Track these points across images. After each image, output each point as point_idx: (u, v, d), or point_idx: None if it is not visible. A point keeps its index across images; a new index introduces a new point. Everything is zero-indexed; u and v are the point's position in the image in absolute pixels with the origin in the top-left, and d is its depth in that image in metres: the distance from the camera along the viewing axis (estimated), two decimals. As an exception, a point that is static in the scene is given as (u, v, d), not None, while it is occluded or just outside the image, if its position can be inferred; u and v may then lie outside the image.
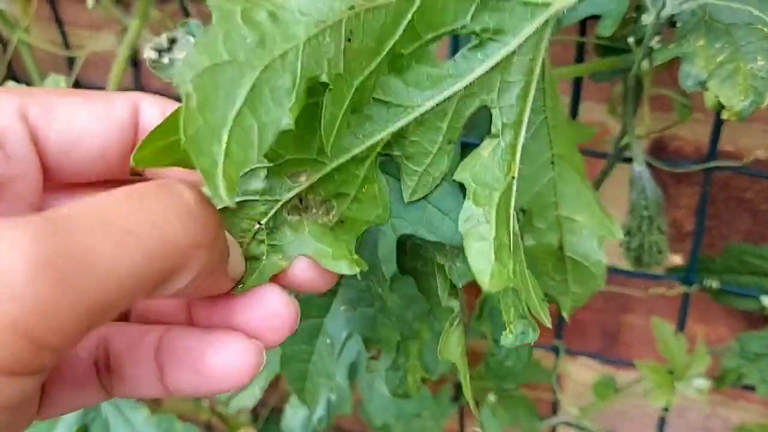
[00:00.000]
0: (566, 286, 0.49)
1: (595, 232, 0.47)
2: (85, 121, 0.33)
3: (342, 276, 0.37)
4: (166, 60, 0.53)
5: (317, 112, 0.33)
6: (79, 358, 0.34)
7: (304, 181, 0.35)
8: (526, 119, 0.40)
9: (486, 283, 0.34)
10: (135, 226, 0.26)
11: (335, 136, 0.34)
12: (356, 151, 0.36)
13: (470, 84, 0.38)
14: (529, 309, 0.38)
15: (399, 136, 0.37)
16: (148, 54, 0.53)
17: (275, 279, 0.35)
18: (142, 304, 0.36)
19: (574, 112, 0.73)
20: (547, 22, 0.39)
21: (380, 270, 0.46)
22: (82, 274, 0.24)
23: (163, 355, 0.33)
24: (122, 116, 0.33)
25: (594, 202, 0.46)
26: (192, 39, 0.53)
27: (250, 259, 0.35)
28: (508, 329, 0.38)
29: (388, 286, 0.48)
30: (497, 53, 0.38)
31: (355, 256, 0.35)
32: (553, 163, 0.44)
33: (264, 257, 0.35)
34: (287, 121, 0.30)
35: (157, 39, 0.53)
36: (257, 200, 0.35)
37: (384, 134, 0.37)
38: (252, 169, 0.34)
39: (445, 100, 0.38)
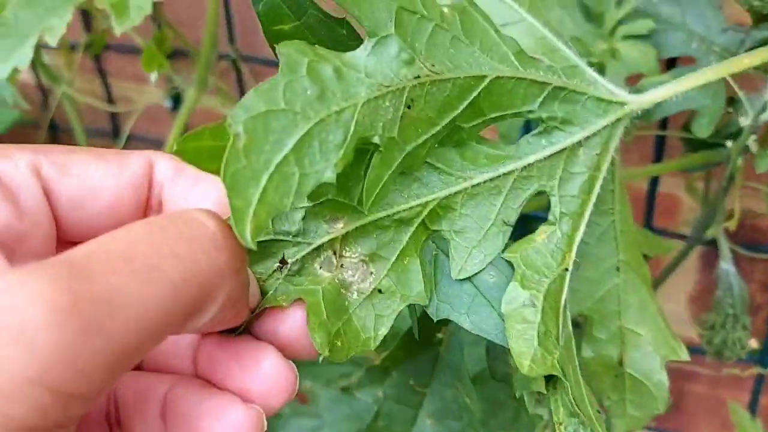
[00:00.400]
0: (623, 407, 0.46)
1: (659, 350, 0.44)
2: (98, 176, 0.32)
3: (428, 383, 0.36)
4: None
5: (365, 158, 0.33)
6: (90, 413, 0.32)
7: (340, 229, 0.35)
8: (587, 214, 0.39)
9: (525, 366, 0.33)
10: (159, 261, 0.25)
11: (378, 195, 0.34)
12: (399, 208, 0.36)
13: (528, 166, 0.37)
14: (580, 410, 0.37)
15: (448, 207, 0.37)
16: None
17: (271, 332, 0.34)
18: (160, 349, 0.35)
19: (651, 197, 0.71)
20: (619, 120, 0.39)
21: (467, 377, 0.44)
22: (109, 317, 0.23)
23: (167, 414, 0.32)
24: (136, 172, 0.33)
25: (659, 315, 0.44)
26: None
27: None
28: (558, 429, 0.36)
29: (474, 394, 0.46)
30: (562, 142, 0.38)
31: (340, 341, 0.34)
32: (618, 269, 0.43)
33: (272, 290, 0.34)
34: (330, 174, 0.31)
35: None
36: (289, 240, 0.34)
37: (431, 197, 0.36)
38: (289, 210, 0.34)
39: (499, 176, 0.37)
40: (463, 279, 0.37)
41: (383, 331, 0.36)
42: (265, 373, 0.32)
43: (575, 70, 0.39)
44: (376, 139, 0.32)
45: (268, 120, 0.30)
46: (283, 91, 0.30)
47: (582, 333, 0.44)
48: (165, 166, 0.33)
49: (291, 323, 0.34)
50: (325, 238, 0.35)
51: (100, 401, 0.33)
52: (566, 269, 0.38)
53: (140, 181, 0.33)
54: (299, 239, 0.35)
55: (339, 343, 0.35)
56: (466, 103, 0.36)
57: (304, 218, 0.35)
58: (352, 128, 0.31)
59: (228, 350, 0.33)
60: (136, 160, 0.33)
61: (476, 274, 0.38)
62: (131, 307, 0.23)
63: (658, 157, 0.70)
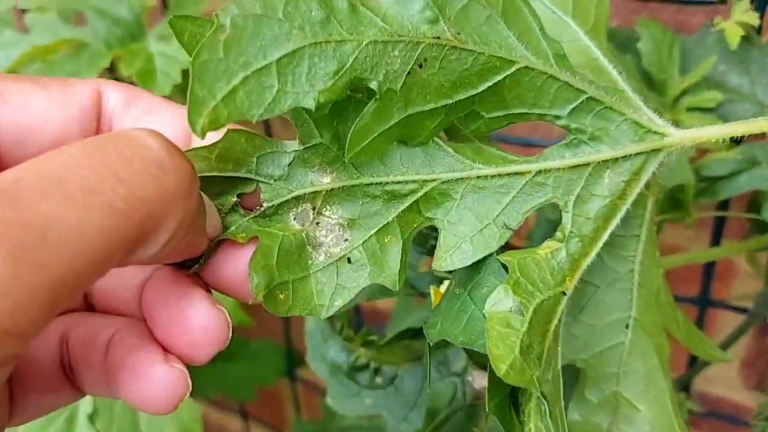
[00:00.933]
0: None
1: (659, 435, 0.39)
2: (41, 107, 0.29)
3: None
4: None
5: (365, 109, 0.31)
6: (43, 356, 0.30)
7: (326, 184, 0.32)
8: (600, 243, 0.35)
9: (502, 369, 0.28)
10: (98, 184, 0.22)
11: (364, 149, 0.31)
12: (394, 178, 0.33)
13: (545, 172, 0.34)
14: None
15: (448, 195, 0.34)
16: None
17: (213, 271, 0.31)
18: (105, 290, 0.32)
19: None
20: (655, 151, 0.35)
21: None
22: (41, 246, 0.21)
23: (106, 362, 0.30)
24: (83, 102, 0.30)
25: (668, 395, 0.38)
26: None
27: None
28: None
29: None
30: (587, 157, 0.34)
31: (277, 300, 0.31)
32: (627, 326, 0.38)
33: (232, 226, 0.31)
34: (310, 102, 0.29)
35: None
36: (269, 184, 0.32)
37: (431, 176, 0.33)
38: (275, 152, 0.32)
39: (511, 175, 0.34)
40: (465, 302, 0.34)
41: (339, 302, 0.33)
42: (193, 324, 0.29)
43: (619, 92, 0.36)
44: (373, 85, 0.30)
45: (260, 23, 0.28)
46: (286, 4, 0.28)
47: (572, 391, 0.38)
48: (114, 96, 0.31)
49: (239, 263, 0.31)
50: (308, 190, 0.32)
51: (51, 345, 0.31)
52: (563, 293, 0.33)
53: (87, 112, 0.30)
54: (281, 184, 0.32)
55: (281, 296, 0.31)
56: (487, 84, 0.33)
57: (290, 164, 0.32)
58: (349, 63, 0.29)
59: (162, 294, 0.30)
60: (82, 89, 0.30)
61: (473, 287, 0.34)
62: (67, 234, 0.21)
63: (718, 228, 0.64)
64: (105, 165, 0.23)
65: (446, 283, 0.37)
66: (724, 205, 0.61)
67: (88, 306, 0.33)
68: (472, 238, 0.34)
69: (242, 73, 0.27)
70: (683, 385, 0.71)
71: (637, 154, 0.35)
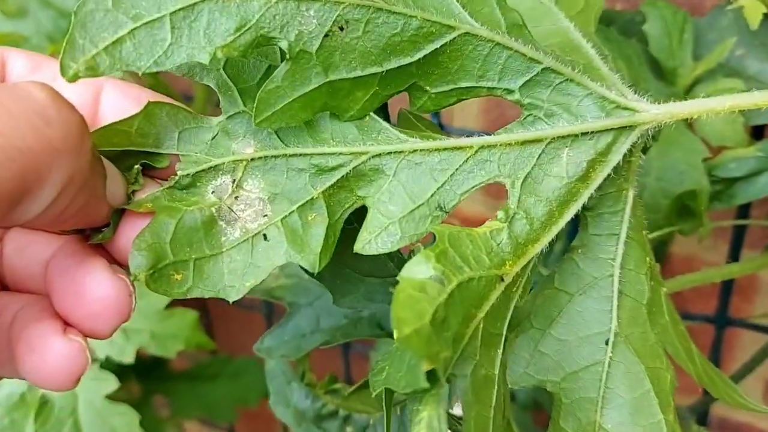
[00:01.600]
0: None
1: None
2: None
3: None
4: None
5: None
6: None
7: (248, 155, 0.31)
8: (554, 230, 0.31)
9: (404, 331, 0.24)
10: None
11: (278, 115, 0.29)
12: (321, 150, 0.31)
13: (489, 147, 0.31)
14: None
15: (380, 171, 0.31)
16: None
17: (116, 242, 0.30)
18: (15, 267, 0.31)
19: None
20: (625, 129, 0.31)
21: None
22: None
23: (9, 338, 0.29)
24: None
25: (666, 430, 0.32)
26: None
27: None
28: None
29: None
30: (540, 132, 0.31)
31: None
32: (607, 343, 0.32)
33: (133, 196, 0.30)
34: (205, 57, 0.28)
35: None
36: (189, 155, 0.31)
37: (361, 149, 0.31)
38: (199, 127, 0.31)
39: (450, 149, 0.31)
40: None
41: (251, 283, 0.30)
42: (91, 294, 0.28)
43: (593, 70, 0.32)
44: (282, 45, 0.29)
45: (156, -25, 0.27)
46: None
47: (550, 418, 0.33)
48: (20, 63, 0.30)
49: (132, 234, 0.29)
50: (227, 159, 0.31)
51: None
52: (500, 278, 0.29)
53: None
54: (200, 156, 0.31)
55: (177, 276, 0.30)
56: (423, 53, 0.30)
57: (214, 137, 0.31)
58: (253, 20, 0.28)
59: (62, 265, 0.29)
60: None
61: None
62: None
63: (738, 236, 0.56)
64: None
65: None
66: (744, 209, 0.53)
67: (1, 285, 0.32)
68: (401, 219, 0.31)
69: (130, 25, 0.27)
70: (701, 412, 0.61)
71: (603, 131, 0.31)
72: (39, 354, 0.27)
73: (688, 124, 0.46)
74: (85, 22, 0.26)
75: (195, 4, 0.28)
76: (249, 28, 0.28)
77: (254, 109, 0.29)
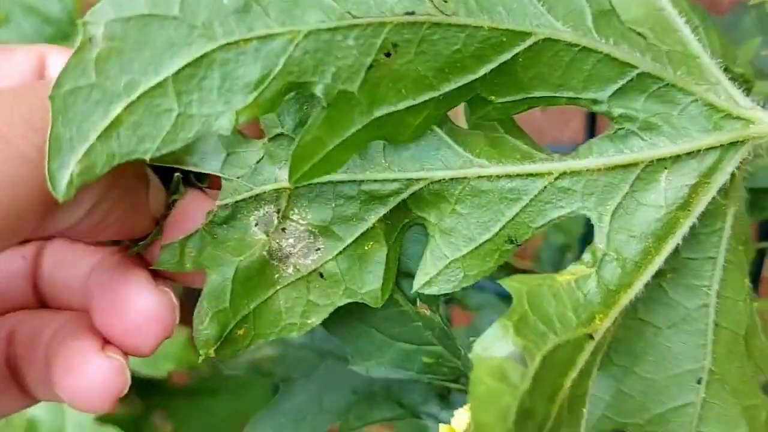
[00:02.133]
0: None
1: None
2: None
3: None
4: None
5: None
6: None
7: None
8: (651, 270, 0.26)
9: None
10: (8, 132, 0.21)
11: (316, 168, 0.24)
12: (372, 176, 0.26)
13: (572, 173, 0.26)
14: None
15: (441, 196, 0.26)
16: None
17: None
18: (55, 283, 0.30)
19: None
20: (737, 144, 0.25)
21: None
22: None
23: (48, 359, 0.27)
24: (24, 69, 0.27)
25: None
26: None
27: None
28: None
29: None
30: (635, 154, 0.25)
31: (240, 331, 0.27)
32: (700, 382, 0.29)
33: None
34: (226, 124, 0.22)
35: None
36: (230, 181, 0.26)
37: (419, 175, 0.26)
38: (247, 151, 0.26)
39: (524, 176, 0.26)
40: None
41: (314, 321, 0.28)
42: (132, 308, 0.26)
43: (690, 59, 0.26)
44: (318, 90, 0.23)
45: (148, 27, 0.21)
46: (187, -9, 0.21)
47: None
48: (61, 61, 0.27)
49: None
50: (269, 187, 0.26)
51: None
52: (590, 336, 0.26)
53: (29, 79, 0.27)
54: (242, 182, 0.26)
55: (240, 333, 0.27)
56: (490, 67, 0.24)
57: (259, 161, 0.26)
58: (279, 66, 0.22)
59: (102, 278, 0.27)
60: (23, 55, 0.27)
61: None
62: None
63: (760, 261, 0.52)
64: (19, 113, 0.22)
65: (461, 414, 0.29)
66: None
67: (40, 302, 0.30)
68: (465, 256, 0.26)
69: (125, 100, 0.21)
70: None
71: (710, 148, 0.25)
72: (76, 373, 0.26)
73: None
74: (66, 107, 0.20)
75: (203, 56, 0.21)
76: (275, 77, 0.22)
77: (289, 168, 0.24)
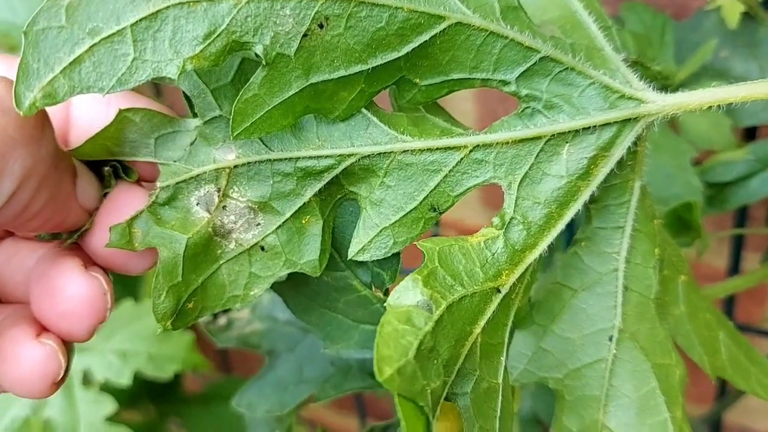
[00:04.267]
0: None
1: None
2: None
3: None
4: (222, 321, 0.43)
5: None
6: None
7: (230, 161, 0.29)
8: (552, 233, 0.29)
9: (386, 373, 0.24)
10: None
11: (257, 125, 0.27)
12: (306, 153, 0.29)
13: (485, 146, 0.29)
14: None
15: (371, 171, 0.29)
16: None
17: (88, 243, 0.29)
18: (3, 278, 0.30)
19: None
20: (630, 122, 0.29)
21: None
22: None
23: None
24: None
25: (673, 431, 0.32)
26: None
27: None
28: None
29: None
30: (539, 129, 0.29)
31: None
32: (611, 339, 0.31)
33: None
34: (173, 71, 0.25)
35: None
36: (169, 165, 0.29)
37: (350, 151, 0.29)
38: (177, 131, 0.29)
39: (443, 150, 0.29)
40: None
41: (256, 292, 0.30)
42: (64, 293, 0.27)
43: (596, 52, 0.30)
44: (258, 50, 0.26)
45: (112, -18, 0.25)
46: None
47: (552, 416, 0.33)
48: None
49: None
50: (209, 167, 0.29)
51: None
52: (497, 290, 0.28)
53: None
54: (180, 165, 0.29)
55: (190, 305, 0.29)
56: (411, 46, 0.28)
57: (193, 143, 0.29)
58: (223, 25, 0.26)
59: (39, 268, 0.28)
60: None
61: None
62: None
63: (739, 239, 0.54)
64: None
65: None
66: (742, 212, 0.51)
67: None
68: (393, 225, 0.29)
69: (88, 41, 0.24)
70: (713, 422, 0.60)
71: (606, 124, 0.29)
72: (11, 360, 0.27)
73: (672, 127, 0.45)
74: (37, 42, 0.24)
75: (158, 12, 0.25)
76: (219, 35, 0.26)
77: (231, 121, 0.27)
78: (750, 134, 0.49)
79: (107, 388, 0.61)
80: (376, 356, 0.24)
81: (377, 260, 0.31)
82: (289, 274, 0.32)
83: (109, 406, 0.60)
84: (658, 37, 0.44)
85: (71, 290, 0.27)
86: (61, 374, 0.27)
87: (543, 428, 0.60)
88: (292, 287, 0.34)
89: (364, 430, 0.43)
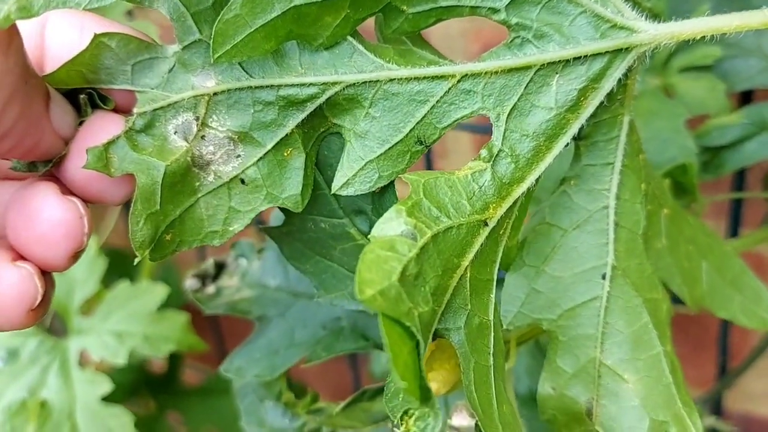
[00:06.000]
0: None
1: (653, 411, 0.31)
2: None
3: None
4: (211, 289, 0.43)
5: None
6: None
7: (209, 88, 0.28)
8: (541, 167, 0.28)
9: (366, 293, 0.23)
10: None
11: (239, 48, 0.26)
12: (289, 80, 0.28)
13: (473, 76, 0.28)
14: None
15: (356, 101, 0.28)
16: (190, 283, 0.43)
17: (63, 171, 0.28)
18: None
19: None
20: (621, 52, 0.28)
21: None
22: None
23: None
24: (24, 33, 0.27)
25: (665, 363, 0.31)
26: (244, 261, 0.43)
27: None
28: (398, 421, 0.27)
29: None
30: (528, 58, 0.28)
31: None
32: (604, 277, 0.31)
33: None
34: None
35: (202, 265, 0.44)
36: (146, 92, 0.28)
37: (334, 79, 0.28)
38: (154, 58, 0.28)
39: (430, 79, 0.28)
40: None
41: (235, 228, 0.29)
42: (39, 217, 0.27)
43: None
44: (238, -35, 0.25)
45: None
46: None
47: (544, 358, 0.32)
48: (59, 27, 0.28)
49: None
50: (187, 94, 0.28)
51: None
52: (484, 222, 0.27)
53: (30, 43, 0.28)
54: (158, 92, 0.28)
55: (168, 237, 0.28)
56: (398, -29, 0.27)
57: (171, 70, 0.28)
58: None
59: (15, 197, 0.28)
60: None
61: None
62: None
63: (736, 211, 0.54)
64: None
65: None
66: (739, 180, 0.50)
67: None
68: (379, 157, 0.28)
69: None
70: (713, 404, 0.60)
71: (597, 54, 0.28)
72: None
73: (667, 94, 0.44)
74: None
75: None
76: None
77: (212, 42, 0.26)
78: (745, 99, 0.48)
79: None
80: (358, 279, 0.23)
81: (376, 209, 0.31)
82: (285, 220, 0.32)
83: (105, 386, 0.60)
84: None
85: (47, 213, 0.27)
86: (38, 299, 0.27)
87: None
88: (288, 234, 0.33)
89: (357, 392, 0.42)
